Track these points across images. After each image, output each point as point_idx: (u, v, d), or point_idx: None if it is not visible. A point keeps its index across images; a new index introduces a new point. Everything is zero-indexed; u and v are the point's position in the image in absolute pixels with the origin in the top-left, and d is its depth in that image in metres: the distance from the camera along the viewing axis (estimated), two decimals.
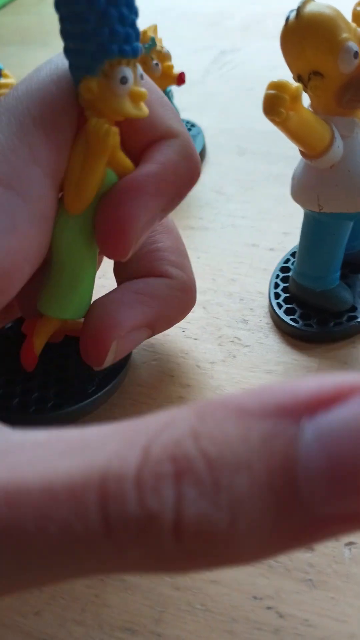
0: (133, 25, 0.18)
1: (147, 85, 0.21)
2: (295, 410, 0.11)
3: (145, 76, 0.20)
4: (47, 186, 0.19)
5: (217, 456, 0.11)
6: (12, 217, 0.18)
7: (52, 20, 0.78)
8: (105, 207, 0.20)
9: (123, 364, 0.25)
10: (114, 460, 0.12)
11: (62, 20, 0.18)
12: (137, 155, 0.21)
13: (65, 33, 0.18)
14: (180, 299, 0.24)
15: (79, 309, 0.22)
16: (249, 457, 0.11)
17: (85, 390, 0.24)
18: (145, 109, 0.19)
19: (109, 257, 0.21)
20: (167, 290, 0.24)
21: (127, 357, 0.26)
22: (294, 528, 0.11)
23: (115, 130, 0.19)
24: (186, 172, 0.21)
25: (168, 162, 0.20)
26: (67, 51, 0.19)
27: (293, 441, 0.11)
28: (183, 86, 0.34)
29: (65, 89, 0.19)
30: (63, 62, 0.19)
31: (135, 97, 0.19)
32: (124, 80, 0.18)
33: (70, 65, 0.19)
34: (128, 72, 0.18)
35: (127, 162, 0.21)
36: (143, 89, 0.19)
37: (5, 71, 0.45)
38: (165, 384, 0.26)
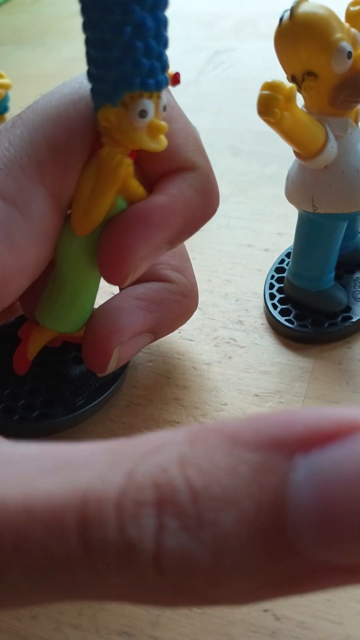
0: (159, 57, 0.18)
1: (172, 113, 0.20)
2: (290, 444, 0.11)
3: (174, 103, 0.20)
4: (50, 205, 0.19)
5: (203, 487, 0.11)
6: (8, 231, 0.18)
7: (47, 20, 0.77)
8: (109, 233, 0.20)
9: (115, 379, 0.25)
10: (97, 481, 0.11)
11: (87, 43, 0.18)
12: (153, 183, 0.21)
13: (88, 57, 0.18)
14: (181, 303, 0.24)
15: (77, 323, 0.22)
16: (237, 492, 0.11)
17: (73, 403, 0.24)
18: (163, 142, 0.19)
19: (108, 281, 0.21)
20: (168, 295, 0.24)
21: (119, 374, 0.25)
22: (286, 572, 0.11)
23: (128, 162, 0.19)
24: (199, 207, 0.21)
25: (179, 195, 0.20)
26: (90, 75, 0.18)
27: (284, 479, 0.10)
28: (177, 86, 0.34)
29: (83, 112, 0.19)
30: (88, 82, 0.19)
31: (154, 131, 0.18)
32: (142, 114, 0.18)
33: (91, 90, 0.19)
34: (149, 105, 0.18)
35: (139, 190, 0.20)
36: (163, 123, 0.19)
37: (1, 71, 0.45)
38: (161, 385, 0.26)
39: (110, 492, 0.11)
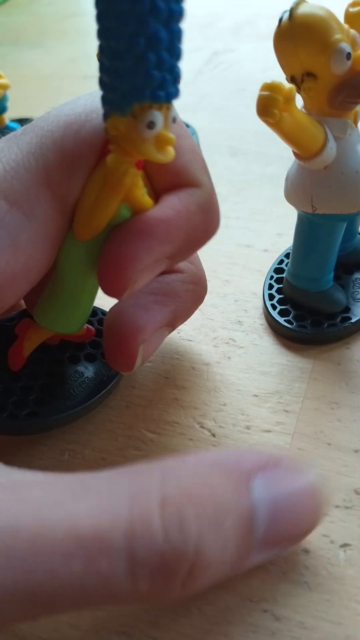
0: (172, 69, 0.17)
1: (180, 131, 0.20)
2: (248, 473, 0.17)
3: (180, 122, 0.20)
4: (55, 209, 0.19)
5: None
6: (13, 235, 0.18)
7: (46, 21, 0.77)
8: (110, 242, 0.20)
9: (110, 380, 0.25)
10: (135, 504, 0.15)
11: (101, 51, 0.17)
12: (159, 197, 0.21)
13: (101, 65, 0.18)
14: (193, 291, 0.24)
15: (74, 326, 0.22)
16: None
17: (65, 403, 0.24)
18: (170, 154, 0.19)
19: (105, 292, 0.20)
20: (180, 285, 0.24)
21: (114, 376, 0.25)
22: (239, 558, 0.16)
23: (134, 171, 0.19)
24: (201, 224, 0.21)
25: (183, 209, 0.20)
26: (101, 83, 0.18)
27: (249, 498, 0.16)
28: None
29: (94, 120, 0.19)
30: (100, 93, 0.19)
31: (162, 142, 0.18)
32: (151, 125, 0.18)
33: (102, 98, 0.18)
34: (157, 117, 0.18)
35: (144, 200, 0.20)
36: (171, 135, 0.18)
37: None
38: (160, 385, 0.26)
39: (152, 509, 0.15)
